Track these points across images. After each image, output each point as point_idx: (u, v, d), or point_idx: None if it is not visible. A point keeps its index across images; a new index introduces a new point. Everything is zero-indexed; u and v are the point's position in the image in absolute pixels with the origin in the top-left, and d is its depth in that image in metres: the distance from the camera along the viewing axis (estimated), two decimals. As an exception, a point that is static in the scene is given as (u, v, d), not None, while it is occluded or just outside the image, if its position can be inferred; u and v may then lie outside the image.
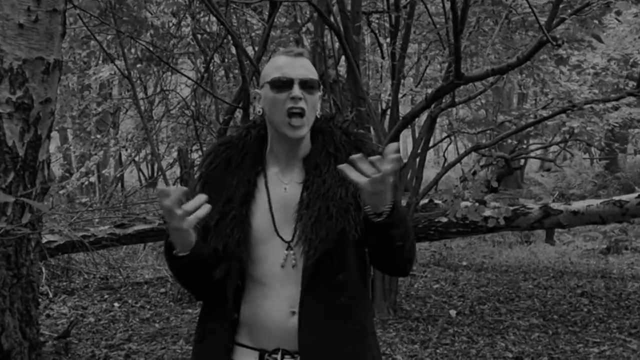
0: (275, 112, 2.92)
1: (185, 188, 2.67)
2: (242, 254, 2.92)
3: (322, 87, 3.06)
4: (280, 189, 3.00)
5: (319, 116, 3.04)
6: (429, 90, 10.44)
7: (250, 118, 3.47)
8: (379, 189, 2.61)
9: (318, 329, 2.90)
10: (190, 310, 9.68)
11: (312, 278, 2.88)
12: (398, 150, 2.58)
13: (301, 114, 2.89)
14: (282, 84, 2.90)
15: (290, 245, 2.93)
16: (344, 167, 2.60)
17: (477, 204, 10.19)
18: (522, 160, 20.06)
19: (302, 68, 2.94)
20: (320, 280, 2.89)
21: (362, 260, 3.05)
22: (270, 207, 2.96)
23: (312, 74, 2.96)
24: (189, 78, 11.60)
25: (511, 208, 11.02)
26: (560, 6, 7.74)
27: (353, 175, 2.58)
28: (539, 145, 17.79)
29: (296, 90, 2.88)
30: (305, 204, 2.93)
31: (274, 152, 3.04)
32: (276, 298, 2.92)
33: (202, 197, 2.70)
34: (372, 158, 2.57)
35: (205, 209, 2.70)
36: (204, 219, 2.79)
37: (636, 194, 10.87)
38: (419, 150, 10.11)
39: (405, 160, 10.04)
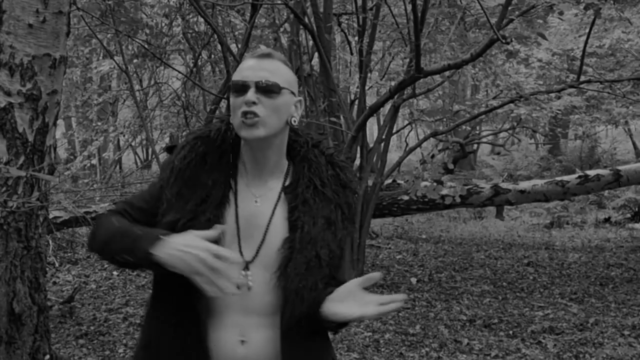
0: (234, 116, 2.43)
1: (223, 227, 2.32)
2: None
3: (293, 92, 2.53)
4: (251, 202, 2.50)
5: (294, 123, 2.52)
6: (393, 83, 10.41)
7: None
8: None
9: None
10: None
11: (291, 324, 2.40)
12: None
13: (254, 114, 2.37)
14: (239, 88, 2.41)
15: (248, 266, 2.43)
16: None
17: (435, 183, 10.26)
18: (475, 145, 20.15)
19: (264, 71, 2.42)
20: (299, 327, 2.42)
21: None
22: (237, 219, 2.45)
23: (274, 76, 2.43)
24: (179, 72, 11.56)
25: (465, 187, 11.10)
26: (509, 8, 7.75)
27: (369, 309, 2.26)
28: (490, 132, 17.88)
29: (250, 94, 2.37)
30: (297, 248, 2.43)
31: (243, 160, 2.53)
32: (223, 326, 2.43)
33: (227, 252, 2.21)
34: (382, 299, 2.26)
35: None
36: (174, 214, 2.42)
37: (576, 175, 11.01)
38: (384, 136, 10.13)
39: (371, 145, 10.03)
